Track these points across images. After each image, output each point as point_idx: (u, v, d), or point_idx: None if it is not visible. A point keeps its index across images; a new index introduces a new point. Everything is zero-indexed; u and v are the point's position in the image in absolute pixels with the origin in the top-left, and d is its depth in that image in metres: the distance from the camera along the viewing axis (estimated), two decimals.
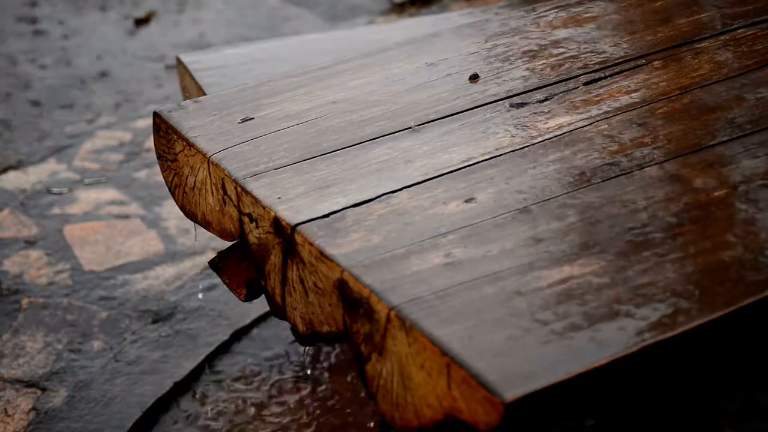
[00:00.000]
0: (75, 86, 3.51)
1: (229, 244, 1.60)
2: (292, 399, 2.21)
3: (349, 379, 2.23)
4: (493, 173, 1.52)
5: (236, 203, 1.53)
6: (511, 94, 1.71)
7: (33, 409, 2.19)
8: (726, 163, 1.53)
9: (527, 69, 1.77)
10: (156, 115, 1.69)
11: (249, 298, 1.57)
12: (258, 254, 1.51)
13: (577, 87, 1.72)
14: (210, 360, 2.32)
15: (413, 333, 1.26)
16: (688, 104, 1.67)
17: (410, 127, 1.60)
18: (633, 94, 1.69)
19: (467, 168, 1.53)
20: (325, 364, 2.28)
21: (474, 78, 1.75)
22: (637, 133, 1.60)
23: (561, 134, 1.60)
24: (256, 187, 1.51)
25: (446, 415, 1.24)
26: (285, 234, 1.44)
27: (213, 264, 1.61)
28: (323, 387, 2.23)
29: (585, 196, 1.47)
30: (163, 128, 1.68)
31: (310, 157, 1.58)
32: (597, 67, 1.77)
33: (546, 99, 1.69)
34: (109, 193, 2.89)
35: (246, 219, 1.52)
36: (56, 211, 2.81)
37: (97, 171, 3.00)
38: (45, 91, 3.47)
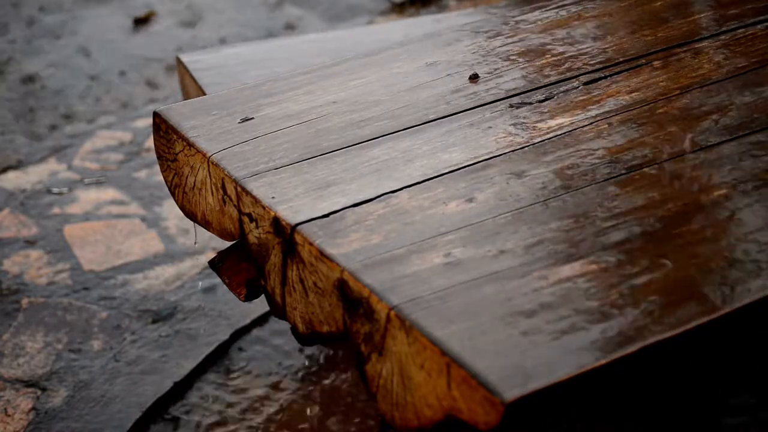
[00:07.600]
0: (74, 85, 3.51)
1: (229, 244, 1.60)
2: (292, 397, 2.21)
3: (350, 376, 2.23)
4: (493, 173, 1.52)
5: (236, 203, 1.53)
6: (511, 94, 1.71)
7: (33, 409, 2.19)
8: (726, 163, 1.53)
9: (527, 69, 1.77)
10: (156, 115, 1.69)
11: (249, 298, 1.57)
12: (258, 254, 1.51)
13: (577, 87, 1.72)
14: (210, 359, 2.32)
15: (413, 333, 1.26)
16: (687, 104, 1.67)
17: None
18: (633, 94, 1.69)
19: (467, 168, 1.53)
20: (328, 361, 2.28)
21: (474, 78, 1.75)
22: (636, 133, 1.60)
23: (561, 134, 1.60)
24: (256, 187, 1.51)
25: (446, 415, 1.24)
26: (285, 234, 1.44)
27: (213, 264, 1.61)
28: (324, 385, 2.22)
29: (585, 196, 1.47)
30: (163, 128, 1.68)
31: (310, 157, 1.58)
32: (597, 67, 1.77)
33: (546, 99, 1.69)
34: (109, 193, 2.89)
35: (246, 219, 1.52)
36: (56, 211, 2.81)
37: (97, 171, 3.00)
38: (44, 90, 3.47)
